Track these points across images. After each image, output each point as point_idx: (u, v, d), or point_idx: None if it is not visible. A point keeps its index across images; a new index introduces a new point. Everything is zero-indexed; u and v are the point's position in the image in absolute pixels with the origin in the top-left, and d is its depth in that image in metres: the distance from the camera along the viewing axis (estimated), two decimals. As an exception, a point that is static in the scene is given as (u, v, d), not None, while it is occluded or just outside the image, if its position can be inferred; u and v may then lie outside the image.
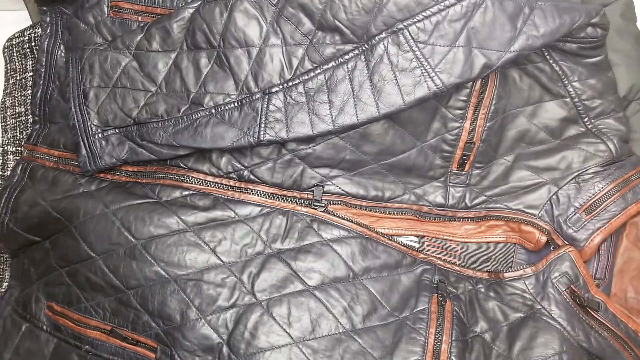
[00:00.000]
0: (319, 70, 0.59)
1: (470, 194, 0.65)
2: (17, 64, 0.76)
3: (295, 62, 0.60)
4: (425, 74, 0.55)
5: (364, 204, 0.65)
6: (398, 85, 0.56)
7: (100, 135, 0.65)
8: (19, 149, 0.76)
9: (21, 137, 0.76)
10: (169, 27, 0.64)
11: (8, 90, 0.77)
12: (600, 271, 0.62)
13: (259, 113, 0.60)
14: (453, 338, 0.57)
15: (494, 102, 0.60)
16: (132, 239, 0.61)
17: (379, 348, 0.56)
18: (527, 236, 0.63)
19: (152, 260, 0.59)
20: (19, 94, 0.76)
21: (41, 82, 0.71)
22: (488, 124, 0.61)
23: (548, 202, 0.62)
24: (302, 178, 0.64)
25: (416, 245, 0.66)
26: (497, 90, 0.60)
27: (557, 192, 0.62)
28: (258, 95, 0.60)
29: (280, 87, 0.60)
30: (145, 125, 0.64)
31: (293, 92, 0.59)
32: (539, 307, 0.59)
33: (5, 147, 0.76)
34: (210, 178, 0.64)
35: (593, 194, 0.60)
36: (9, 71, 0.77)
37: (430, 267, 0.62)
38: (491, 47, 0.54)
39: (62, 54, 0.71)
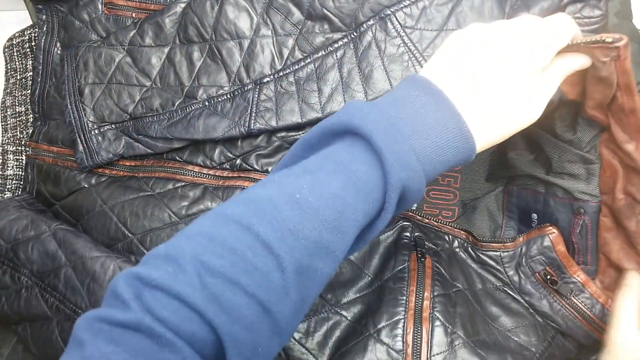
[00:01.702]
0: (309, 60, 0.59)
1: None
2: (17, 63, 0.77)
3: (285, 53, 0.61)
4: (413, 58, 0.56)
5: None
6: (386, 71, 0.56)
7: (96, 131, 0.66)
8: (19, 148, 0.76)
9: (21, 136, 0.77)
10: (162, 22, 0.65)
11: (8, 90, 0.77)
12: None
13: (250, 103, 0.60)
14: (435, 294, 0.56)
15: None
16: (129, 234, 0.62)
17: (364, 317, 0.56)
18: None
19: None
20: (19, 93, 0.77)
21: (39, 79, 0.72)
22: None
23: None
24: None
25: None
26: None
27: None
28: (250, 86, 0.61)
29: (272, 77, 0.60)
30: (141, 119, 0.64)
31: (284, 82, 0.60)
32: (509, 281, 0.58)
33: (5, 147, 0.77)
34: (205, 170, 0.64)
35: None
36: (9, 71, 0.78)
37: (409, 224, 0.62)
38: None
39: (59, 52, 0.72)
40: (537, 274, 0.56)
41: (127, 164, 0.67)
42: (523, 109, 0.42)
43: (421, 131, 0.40)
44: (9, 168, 0.76)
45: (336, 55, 0.58)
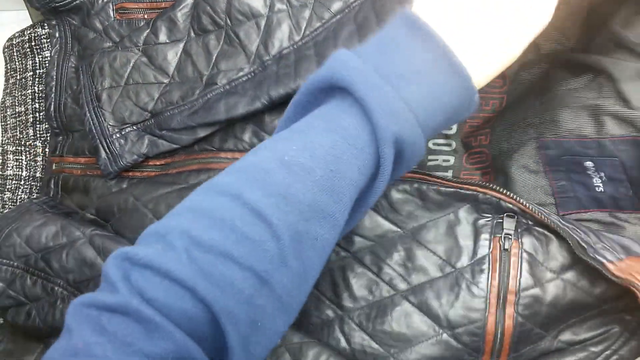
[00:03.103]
0: (327, 24, 0.58)
1: None
2: (17, 63, 0.76)
3: (303, 23, 0.59)
4: None
5: None
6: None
7: (118, 135, 0.65)
8: (19, 148, 0.76)
9: (21, 136, 0.76)
10: (174, 16, 0.65)
11: (8, 90, 0.77)
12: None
13: (270, 76, 0.58)
14: (521, 287, 0.49)
15: None
16: None
17: (434, 307, 0.51)
18: None
19: None
20: (19, 93, 0.76)
21: (52, 94, 0.72)
22: None
23: None
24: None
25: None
26: None
27: None
28: (270, 62, 0.59)
29: (291, 48, 0.59)
30: (162, 114, 0.63)
31: (303, 50, 0.58)
32: None
33: (5, 147, 0.76)
34: (237, 154, 0.62)
35: None
36: (9, 71, 0.77)
37: (493, 202, 0.52)
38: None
39: (72, 66, 0.72)
40: None
41: (157, 163, 0.66)
42: (527, 14, 0.38)
43: (409, 76, 0.36)
44: (8, 168, 0.75)
45: (353, 12, 0.56)
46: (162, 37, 0.65)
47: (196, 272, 0.32)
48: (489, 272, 0.50)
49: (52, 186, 0.71)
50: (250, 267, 0.33)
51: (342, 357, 0.50)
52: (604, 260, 0.44)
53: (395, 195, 0.54)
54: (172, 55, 0.64)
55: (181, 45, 0.64)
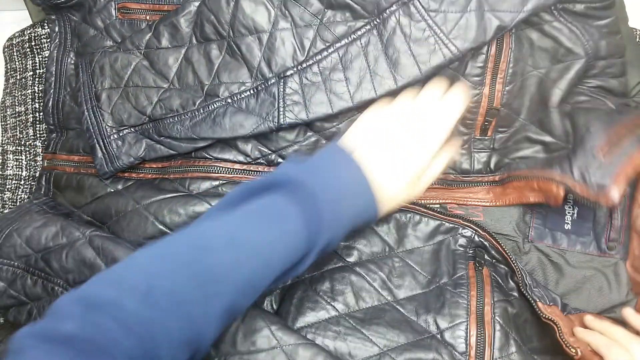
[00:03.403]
0: (332, 49, 0.59)
1: (495, 158, 0.65)
2: (17, 63, 0.76)
3: (307, 44, 0.60)
4: (440, 41, 0.56)
5: None
6: (413, 56, 0.56)
7: (115, 136, 0.65)
8: (19, 148, 0.76)
9: (21, 136, 0.76)
10: (177, 22, 0.65)
11: (8, 90, 0.77)
12: (614, 232, 0.62)
13: (277, 97, 0.60)
14: (495, 299, 0.58)
15: (511, 65, 0.59)
16: (168, 231, 0.61)
17: (423, 314, 0.57)
18: (547, 193, 0.61)
19: None
20: (19, 93, 0.76)
21: (51, 90, 0.72)
22: (507, 88, 0.60)
23: (565, 157, 0.60)
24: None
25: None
26: (514, 53, 0.59)
27: (573, 145, 0.61)
28: (273, 80, 0.61)
29: (295, 69, 0.60)
30: (161, 121, 0.64)
31: (308, 73, 0.60)
32: None
33: (5, 147, 0.76)
34: (238, 166, 0.64)
35: (607, 136, 0.57)
36: (9, 71, 0.77)
37: (468, 236, 0.63)
38: (504, 9, 0.54)
39: (72, 62, 0.72)
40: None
41: (154, 166, 0.67)
42: (409, 188, 0.56)
43: (339, 193, 0.50)
44: (8, 168, 0.75)
45: (360, 43, 0.58)
46: (164, 42, 0.65)
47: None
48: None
49: (44, 183, 0.71)
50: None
51: (336, 357, 0.54)
52: (537, 299, 0.57)
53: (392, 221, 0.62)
54: (173, 61, 0.65)
55: (182, 50, 0.64)
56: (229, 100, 0.62)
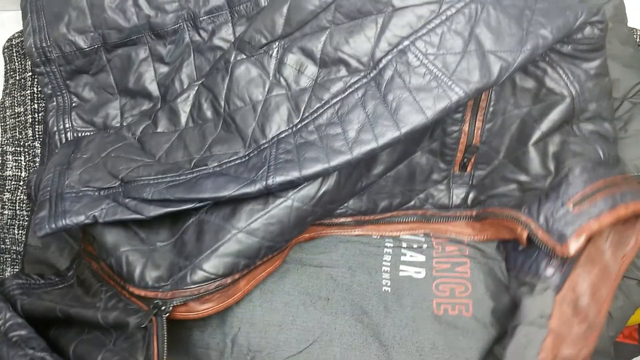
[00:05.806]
0: (327, 106, 0.56)
1: (472, 194, 0.65)
2: (16, 64, 0.77)
3: (302, 105, 0.57)
4: (443, 84, 0.52)
5: (372, 218, 0.65)
6: (417, 102, 0.52)
7: (73, 195, 0.57)
8: (18, 149, 0.76)
9: (20, 137, 0.76)
10: (174, 106, 0.63)
11: (7, 91, 0.77)
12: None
13: (267, 159, 0.55)
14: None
15: (492, 103, 0.59)
16: None
17: None
18: (513, 232, 0.59)
19: None
20: (19, 94, 0.76)
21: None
22: (487, 126, 0.60)
23: (536, 198, 0.58)
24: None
25: (423, 240, 0.65)
26: (495, 91, 0.58)
27: (547, 188, 0.59)
28: (266, 145, 0.57)
29: (289, 130, 0.57)
30: (133, 182, 0.57)
31: (303, 132, 0.56)
32: None
33: (5, 147, 0.77)
34: None
35: (583, 188, 0.55)
36: (8, 71, 0.77)
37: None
38: (504, 49, 0.52)
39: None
40: None
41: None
42: None
43: None
44: (8, 169, 0.76)
45: (357, 95, 0.55)
46: (161, 127, 0.63)
47: None
48: None
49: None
50: None
51: None
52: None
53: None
54: (165, 141, 0.62)
55: (176, 134, 0.62)
56: (217, 168, 0.57)
